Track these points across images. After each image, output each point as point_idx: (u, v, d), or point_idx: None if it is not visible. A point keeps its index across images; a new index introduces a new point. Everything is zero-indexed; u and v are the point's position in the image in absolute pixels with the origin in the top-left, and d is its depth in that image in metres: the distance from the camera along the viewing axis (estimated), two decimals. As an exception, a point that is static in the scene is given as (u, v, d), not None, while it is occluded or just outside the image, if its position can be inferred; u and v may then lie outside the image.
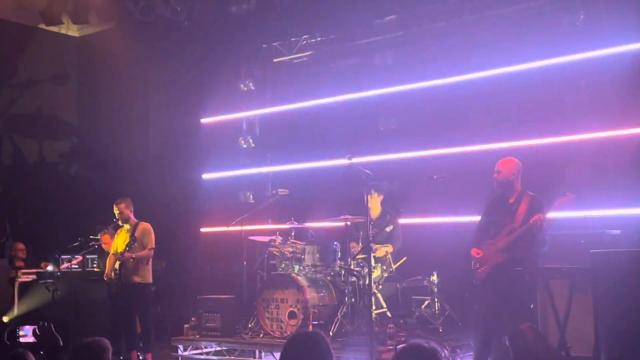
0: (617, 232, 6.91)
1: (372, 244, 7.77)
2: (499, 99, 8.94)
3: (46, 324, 4.24)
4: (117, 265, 8.32)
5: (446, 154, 9.32)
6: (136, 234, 8.45)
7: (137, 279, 8.41)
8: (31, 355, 4.57)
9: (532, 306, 6.56)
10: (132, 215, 8.64)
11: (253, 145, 11.47)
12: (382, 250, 8.47)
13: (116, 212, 8.57)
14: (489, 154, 8.32)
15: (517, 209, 6.42)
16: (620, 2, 8.36)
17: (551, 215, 6.32)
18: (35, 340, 4.32)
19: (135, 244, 8.32)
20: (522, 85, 8.80)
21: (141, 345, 8.58)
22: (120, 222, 8.59)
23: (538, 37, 8.85)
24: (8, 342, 4.93)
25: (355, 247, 8.59)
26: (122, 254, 8.28)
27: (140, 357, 8.46)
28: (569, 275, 6.07)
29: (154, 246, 8.53)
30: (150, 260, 8.61)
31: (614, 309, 5.53)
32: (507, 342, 5.91)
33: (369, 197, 8.08)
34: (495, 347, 6.64)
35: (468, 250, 6.74)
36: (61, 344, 4.18)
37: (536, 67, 8.79)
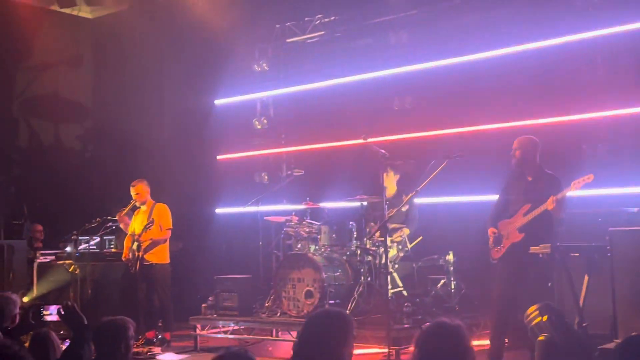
0: (635, 209, 6.89)
1: (388, 224, 7.78)
2: (515, 77, 8.89)
3: (70, 303, 4.30)
4: (135, 246, 8.40)
5: (462, 133, 9.29)
6: (153, 215, 8.51)
7: (154, 260, 8.48)
8: (54, 335, 4.64)
9: (549, 284, 6.57)
10: (149, 196, 8.70)
11: (267, 125, 11.48)
12: (399, 233, 8.48)
13: (133, 193, 8.63)
14: (506, 133, 8.31)
15: (534, 188, 6.41)
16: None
17: (569, 194, 6.29)
18: (59, 319, 4.39)
19: (152, 225, 8.38)
20: (538, 63, 8.75)
21: (160, 324, 8.67)
22: (137, 203, 8.64)
23: (554, 14, 8.79)
24: (33, 321, 5.01)
25: (374, 227, 8.61)
26: (139, 235, 8.35)
27: (159, 336, 8.56)
28: (586, 253, 6.06)
29: (171, 227, 8.60)
30: (168, 240, 8.68)
31: (631, 286, 5.54)
32: (524, 320, 5.95)
33: (385, 175, 8.08)
34: (512, 325, 6.67)
35: (484, 229, 6.74)
36: (85, 322, 4.24)
37: (552, 44, 8.73)
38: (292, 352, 3.28)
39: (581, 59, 8.57)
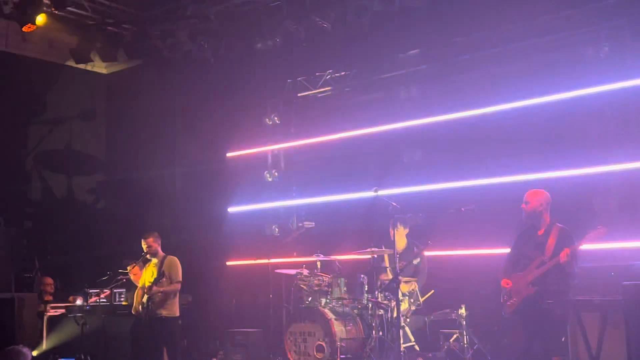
0: (648, 263, 6.85)
1: (399, 277, 7.74)
2: (525, 130, 8.94)
3: (83, 357, 4.29)
4: (144, 299, 8.36)
5: (472, 185, 9.30)
6: (163, 268, 8.49)
7: (164, 313, 8.42)
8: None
9: (563, 339, 6.49)
10: (159, 249, 8.69)
11: (278, 178, 11.54)
12: (406, 286, 8.43)
13: (144, 246, 8.63)
14: (516, 186, 8.31)
15: (546, 241, 6.39)
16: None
17: (582, 247, 6.27)
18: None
19: (163, 278, 8.36)
20: (548, 117, 8.81)
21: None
22: (148, 256, 8.64)
23: (562, 69, 8.89)
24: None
25: (385, 277, 8.58)
26: (149, 288, 8.33)
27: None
28: (600, 307, 6.02)
29: (180, 279, 8.56)
30: (178, 293, 8.64)
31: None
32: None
33: (394, 230, 8.08)
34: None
35: (497, 282, 6.70)
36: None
37: (561, 99, 8.80)
38: None
39: (591, 113, 8.62)
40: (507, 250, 6.82)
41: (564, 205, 7.21)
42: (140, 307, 8.37)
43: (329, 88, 11.09)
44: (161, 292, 8.31)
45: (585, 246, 6.30)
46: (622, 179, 8.30)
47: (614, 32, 8.51)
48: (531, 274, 6.33)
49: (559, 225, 6.49)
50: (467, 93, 9.72)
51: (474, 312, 8.44)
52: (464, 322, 8.38)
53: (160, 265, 8.53)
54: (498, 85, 9.43)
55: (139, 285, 8.65)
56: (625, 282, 5.79)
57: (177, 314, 8.56)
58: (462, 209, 6.97)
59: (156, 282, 8.27)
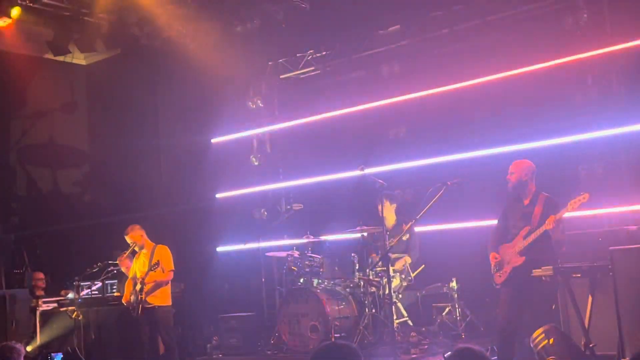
0: (635, 227, 6.89)
1: (390, 254, 7.77)
2: (507, 101, 8.97)
3: (71, 350, 4.27)
4: (137, 289, 8.34)
5: (458, 159, 9.32)
6: (155, 257, 8.45)
7: (157, 302, 8.39)
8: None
9: (553, 307, 6.54)
10: (146, 239, 8.61)
11: (264, 161, 11.52)
12: (400, 262, 8.47)
13: (129, 241, 8.55)
14: (501, 157, 8.35)
15: (532, 211, 6.42)
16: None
17: (567, 215, 6.30)
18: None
19: (158, 267, 8.32)
20: (530, 87, 8.83)
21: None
22: (136, 248, 8.58)
23: (542, 39, 8.89)
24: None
25: (375, 257, 8.61)
26: (143, 277, 8.30)
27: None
28: (589, 273, 6.05)
29: (172, 268, 8.54)
30: (170, 282, 8.61)
31: (635, 304, 5.52)
32: (531, 344, 5.92)
33: (381, 206, 8.10)
34: (518, 350, 6.62)
35: (486, 254, 6.73)
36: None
37: (542, 67, 8.81)
38: None
39: (572, 81, 8.64)
40: (495, 222, 6.85)
41: (550, 174, 7.24)
42: (132, 297, 8.35)
43: (311, 68, 11.05)
44: (154, 281, 8.29)
45: (572, 213, 6.33)
46: (607, 145, 8.33)
47: (593, 0, 8.50)
48: (519, 244, 6.37)
49: (545, 194, 6.51)
50: (449, 67, 9.71)
51: (465, 284, 8.51)
52: (456, 295, 8.45)
53: (151, 255, 8.49)
54: (479, 58, 9.42)
55: (130, 275, 8.62)
56: (612, 247, 5.82)
57: (169, 302, 8.54)
58: (449, 182, 6.97)
59: (152, 269, 8.23)
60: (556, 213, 6.17)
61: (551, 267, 6.04)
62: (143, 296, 8.23)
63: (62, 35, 10.34)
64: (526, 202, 6.55)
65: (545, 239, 6.25)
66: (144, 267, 8.35)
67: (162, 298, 8.41)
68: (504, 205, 6.82)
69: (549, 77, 8.74)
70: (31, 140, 12.61)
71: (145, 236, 8.58)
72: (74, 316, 8.97)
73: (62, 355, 4.11)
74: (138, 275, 8.36)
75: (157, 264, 8.21)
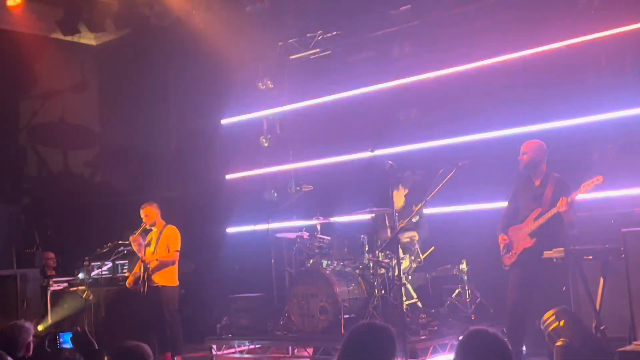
0: (647, 210, 6.82)
1: (399, 235, 7.74)
2: (522, 82, 8.86)
3: (80, 329, 4.29)
4: (141, 269, 8.37)
5: (469, 141, 9.24)
6: (162, 237, 8.47)
7: (162, 282, 8.40)
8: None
9: (564, 289, 6.50)
10: (159, 218, 8.66)
11: (274, 143, 11.48)
12: (406, 235, 8.40)
13: (143, 216, 8.60)
14: (513, 138, 8.25)
15: (543, 192, 6.36)
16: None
17: (579, 197, 6.24)
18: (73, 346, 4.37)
19: (161, 247, 8.34)
20: (543, 67, 8.71)
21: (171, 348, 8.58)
22: (147, 226, 8.61)
23: (556, 19, 8.75)
24: (49, 349, 4.98)
25: (385, 236, 8.57)
26: (146, 258, 8.31)
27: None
28: (600, 256, 5.99)
29: (178, 249, 8.52)
30: (176, 263, 8.60)
31: (648, 287, 5.47)
32: (541, 326, 5.89)
33: (395, 192, 8.06)
34: (529, 332, 6.59)
35: (496, 236, 6.69)
36: (96, 347, 4.22)
37: (556, 48, 8.70)
38: None
39: (586, 61, 8.54)
40: (505, 204, 6.80)
41: (562, 156, 7.17)
42: (137, 277, 8.36)
43: (320, 49, 10.95)
44: (158, 259, 8.30)
45: (584, 195, 6.27)
46: (620, 126, 8.23)
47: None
48: (530, 225, 6.32)
49: (556, 175, 6.45)
50: (461, 47, 9.59)
51: (475, 266, 8.47)
52: (466, 277, 8.41)
53: (159, 235, 8.52)
54: (491, 38, 9.30)
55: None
56: (624, 230, 5.76)
57: (176, 283, 8.54)
58: (460, 164, 6.91)
59: (154, 251, 8.26)
60: (568, 194, 6.11)
61: (562, 248, 6.00)
62: (149, 276, 8.26)
63: (71, 15, 10.33)
64: (537, 183, 6.49)
65: (556, 221, 6.19)
66: (152, 247, 8.38)
67: (167, 278, 8.41)
68: (514, 187, 6.77)
69: (562, 58, 8.62)
70: (41, 121, 12.64)
71: (159, 216, 8.62)
72: (84, 296, 9.01)
73: (70, 335, 4.12)
74: (146, 255, 8.37)
75: (160, 244, 8.25)
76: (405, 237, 8.38)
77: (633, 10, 8.19)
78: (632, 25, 8.17)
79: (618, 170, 7.80)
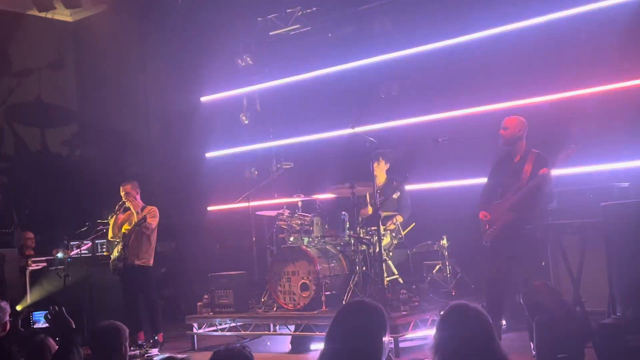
0: (626, 184, 6.87)
1: (380, 211, 7.73)
2: (500, 58, 8.84)
3: (57, 308, 4.23)
4: (119, 248, 8.33)
5: (450, 117, 9.24)
6: (141, 215, 8.41)
7: (137, 262, 8.37)
8: (51, 341, 4.57)
9: (543, 263, 6.54)
10: (138, 198, 8.59)
11: (254, 120, 11.41)
12: (392, 221, 8.42)
13: (122, 193, 8.53)
14: (493, 115, 8.26)
15: (522, 167, 6.37)
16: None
17: (559, 171, 6.26)
18: (48, 325, 4.32)
19: (142, 223, 8.28)
20: (523, 43, 8.70)
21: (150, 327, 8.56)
22: (127, 204, 8.53)
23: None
24: (22, 329, 4.93)
25: (365, 212, 8.56)
26: (126, 235, 8.26)
27: (155, 337, 8.45)
28: (580, 230, 6.03)
29: (153, 227, 8.47)
30: (153, 243, 8.55)
31: (627, 260, 5.50)
32: (521, 301, 5.92)
33: (376, 164, 8.03)
34: (509, 307, 6.64)
35: (476, 212, 6.70)
36: (74, 326, 4.17)
37: (535, 23, 8.70)
38: (328, 343, 3.17)
39: (565, 37, 8.53)
40: (485, 180, 6.80)
41: (542, 132, 7.18)
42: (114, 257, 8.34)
43: (300, 25, 10.85)
44: (137, 239, 8.25)
45: (564, 170, 6.29)
46: (599, 101, 8.25)
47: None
48: (509, 200, 6.33)
49: (535, 150, 6.46)
50: (441, 24, 9.56)
51: (455, 242, 8.49)
52: (446, 253, 8.43)
53: (139, 216, 8.45)
54: (472, 14, 9.28)
55: (111, 234, 8.60)
56: (603, 203, 5.79)
57: (151, 263, 8.51)
58: (439, 139, 6.90)
59: (139, 224, 8.22)
60: (546, 167, 6.13)
61: (542, 223, 6.02)
62: (126, 254, 8.22)
63: (46, -10, 10.14)
64: (517, 159, 6.49)
65: (535, 195, 6.21)
66: (130, 225, 8.33)
67: (144, 258, 8.38)
68: (493, 163, 6.77)
69: (541, 33, 8.61)
70: (18, 99, 12.45)
71: (138, 196, 8.56)
72: (63, 275, 8.94)
73: (44, 314, 4.06)
74: (123, 232, 8.32)
75: (144, 218, 8.20)
76: (390, 223, 8.37)
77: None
78: (609, 1, 8.16)
79: (597, 145, 7.83)
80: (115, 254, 8.41)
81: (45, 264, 9.82)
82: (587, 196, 6.57)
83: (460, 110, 9.16)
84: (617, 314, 5.47)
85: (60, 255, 9.53)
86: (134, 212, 8.43)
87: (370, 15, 10.19)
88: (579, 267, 5.99)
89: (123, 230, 8.41)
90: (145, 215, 8.31)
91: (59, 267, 9.34)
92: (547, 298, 5.74)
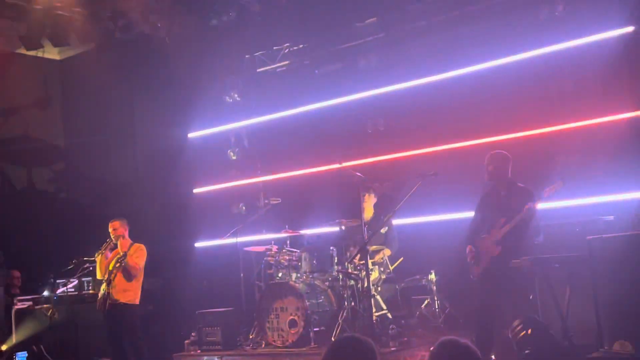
0: (611, 217, 6.93)
1: (368, 247, 7.74)
2: (484, 93, 8.95)
3: (36, 349, 4.19)
4: (103, 287, 8.22)
5: (435, 152, 9.32)
6: (127, 256, 8.30)
7: (122, 300, 8.23)
8: None
9: (531, 297, 6.56)
10: (126, 235, 8.52)
11: (242, 156, 11.45)
12: (379, 255, 8.44)
13: (110, 229, 8.45)
14: (478, 149, 8.35)
15: (508, 202, 6.43)
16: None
17: (545, 205, 6.32)
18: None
19: (123, 260, 8.20)
20: (507, 78, 8.82)
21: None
22: (114, 241, 8.45)
23: (519, 30, 8.88)
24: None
25: (353, 251, 8.57)
26: (112, 270, 8.17)
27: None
28: (567, 263, 6.07)
29: (141, 266, 8.35)
30: (139, 281, 8.42)
31: (613, 293, 5.53)
32: (509, 335, 5.93)
33: (366, 195, 8.07)
34: (498, 341, 6.63)
35: (464, 246, 6.73)
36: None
37: (519, 59, 8.83)
38: None
39: (548, 72, 8.66)
40: (472, 214, 6.84)
41: (526, 166, 7.26)
42: (100, 292, 8.23)
43: (288, 62, 10.96)
44: (122, 278, 8.16)
45: (549, 204, 6.35)
46: (583, 136, 8.35)
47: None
48: (495, 234, 6.37)
49: (520, 185, 6.53)
50: (426, 60, 9.69)
51: (443, 276, 8.50)
52: (435, 288, 8.43)
53: (125, 253, 8.37)
54: (456, 50, 9.41)
55: (100, 274, 8.50)
56: (590, 237, 5.83)
57: (137, 301, 8.36)
58: (426, 174, 6.95)
59: (119, 261, 8.14)
60: (532, 202, 6.19)
61: (529, 257, 6.06)
62: (111, 294, 8.10)
63: (35, 30, 10.17)
64: (502, 193, 6.55)
65: (521, 228, 6.26)
66: (113, 263, 8.25)
67: (129, 297, 8.23)
68: (480, 198, 6.82)
69: (525, 69, 8.74)
70: (5, 137, 12.43)
71: (127, 232, 8.48)
72: (49, 314, 8.85)
73: (27, 354, 4.01)
74: (110, 269, 8.23)
75: (124, 255, 8.12)
76: (378, 257, 8.38)
77: (594, 20, 8.33)
78: (591, 37, 8.32)
79: (581, 179, 7.91)
80: (101, 292, 8.32)
81: (31, 303, 9.72)
82: (573, 230, 6.63)
83: (446, 145, 9.24)
84: (605, 347, 5.47)
85: (46, 293, 9.46)
86: (121, 251, 8.33)
87: (356, 52, 10.30)
88: (566, 300, 6.02)
89: (110, 268, 8.32)
90: (125, 252, 8.21)
91: (44, 305, 9.25)
92: (535, 332, 5.75)
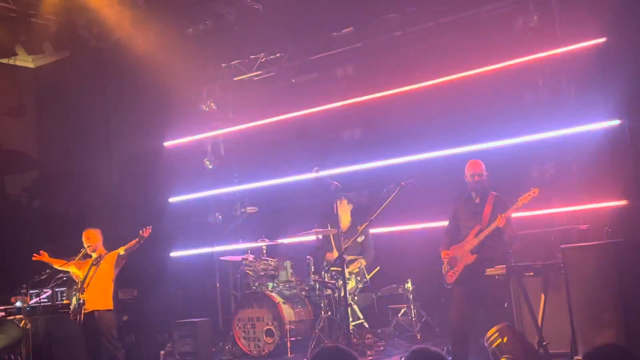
0: (585, 226, 6.98)
1: (344, 256, 7.73)
2: (461, 103, 9.02)
3: (7, 357, 4.12)
4: (78, 296, 8.11)
5: (412, 161, 9.35)
6: (101, 264, 8.21)
7: (97, 307, 8.12)
8: None
9: (506, 305, 6.58)
10: (100, 245, 8.42)
11: (218, 165, 11.40)
12: (356, 264, 8.44)
13: (84, 239, 8.35)
14: (454, 158, 8.39)
15: (482, 210, 6.47)
16: (572, 2, 8.49)
17: (520, 213, 6.35)
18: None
19: (100, 274, 8.11)
20: (482, 88, 8.89)
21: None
22: (88, 251, 8.36)
23: (494, 41, 8.96)
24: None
25: (331, 256, 8.56)
26: (84, 280, 8.05)
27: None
28: (541, 272, 6.10)
29: (115, 274, 8.27)
30: (112, 288, 8.31)
31: (587, 301, 5.57)
32: (484, 343, 5.94)
33: (338, 203, 8.08)
34: (473, 349, 6.64)
35: (439, 254, 6.75)
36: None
37: (494, 69, 8.90)
38: None
39: (523, 82, 8.74)
40: (447, 222, 6.87)
41: (502, 175, 7.30)
42: (73, 304, 8.11)
43: (264, 71, 10.96)
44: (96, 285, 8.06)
45: (524, 213, 6.39)
46: (557, 145, 8.43)
47: (542, 2, 8.61)
48: (470, 242, 6.40)
49: (494, 193, 6.57)
50: (403, 69, 9.75)
51: (420, 285, 8.53)
52: (411, 296, 8.45)
53: (98, 262, 8.28)
54: (432, 60, 9.47)
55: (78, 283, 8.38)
56: (564, 246, 5.88)
57: (111, 307, 8.24)
58: (402, 183, 6.96)
59: (94, 270, 8.04)
60: (505, 210, 6.23)
61: (504, 265, 6.09)
62: (84, 298, 7.98)
63: (8, 37, 10.07)
64: (477, 200, 6.59)
65: (496, 237, 6.30)
66: (90, 272, 8.15)
67: (103, 302, 8.13)
68: (454, 206, 6.85)
69: (500, 79, 8.82)
70: (-23, 145, 12.27)
71: (101, 242, 8.37)
72: (22, 325, 8.71)
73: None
74: (81, 278, 8.12)
75: (98, 264, 8.02)
76: (353, 266, 8.37)
77: (567, 32, 8.43)
78: (566, 47, 8.42)
79: (556, 188, 7.99)
80: (74, 302, 8.18)
81: (3, 313, 9.56)
82: (548, 238, 6.66)
83: (422, 154, 9.28)
84: (579, 355, 5.51)
85: (18, 303, 9.30)
86: (94, 260, 8.23)
87: (332, 61, 10.34)
88: (541, 309, 6.05)
89: (81, 277, 8.20)
90: (99, 261, 8.11)
91: (17, 316, 9.10)
92: (510, 340, 5.77)
